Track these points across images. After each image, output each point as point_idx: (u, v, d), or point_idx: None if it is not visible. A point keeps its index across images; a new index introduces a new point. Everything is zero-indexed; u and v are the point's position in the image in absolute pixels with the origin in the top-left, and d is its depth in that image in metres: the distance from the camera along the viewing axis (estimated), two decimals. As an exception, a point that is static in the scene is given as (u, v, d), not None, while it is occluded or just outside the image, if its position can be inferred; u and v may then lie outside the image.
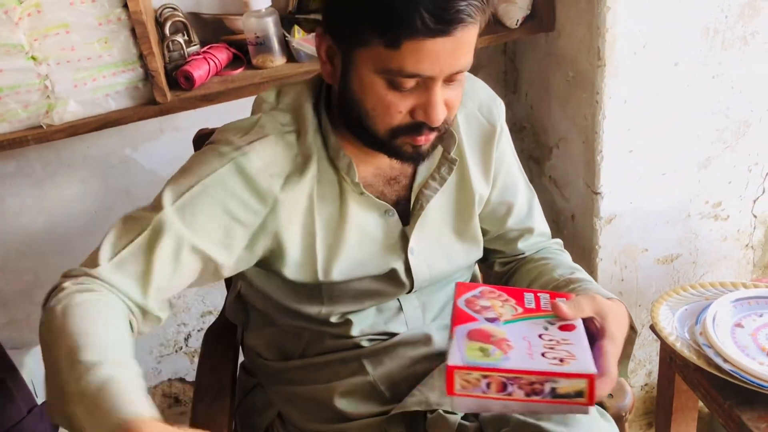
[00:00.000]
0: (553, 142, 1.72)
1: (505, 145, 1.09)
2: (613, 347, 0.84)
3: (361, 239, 0.99)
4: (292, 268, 0.98)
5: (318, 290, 1.01)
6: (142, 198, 1.70)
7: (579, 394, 0.74)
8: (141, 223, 0.88)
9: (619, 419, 0.99)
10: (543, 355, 0.77)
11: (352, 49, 0.86)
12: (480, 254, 1.12)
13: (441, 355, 1.04)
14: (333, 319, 1.04)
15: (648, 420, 1.90)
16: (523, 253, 1.14)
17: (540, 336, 0.80)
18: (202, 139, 1.09)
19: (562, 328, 0.82)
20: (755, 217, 1.73)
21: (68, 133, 1.36)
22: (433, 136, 0.91)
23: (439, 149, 1.00)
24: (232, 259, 0.94)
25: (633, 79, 1.46)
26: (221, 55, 1.49)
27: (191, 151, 1.13)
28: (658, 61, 1.46)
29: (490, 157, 1.06)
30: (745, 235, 1.76)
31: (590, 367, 0.75)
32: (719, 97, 1.54)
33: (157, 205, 0.89)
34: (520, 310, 0.85)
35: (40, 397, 1.59)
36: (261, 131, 0.93)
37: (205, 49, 1.48)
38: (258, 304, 1.11)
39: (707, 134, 1.58)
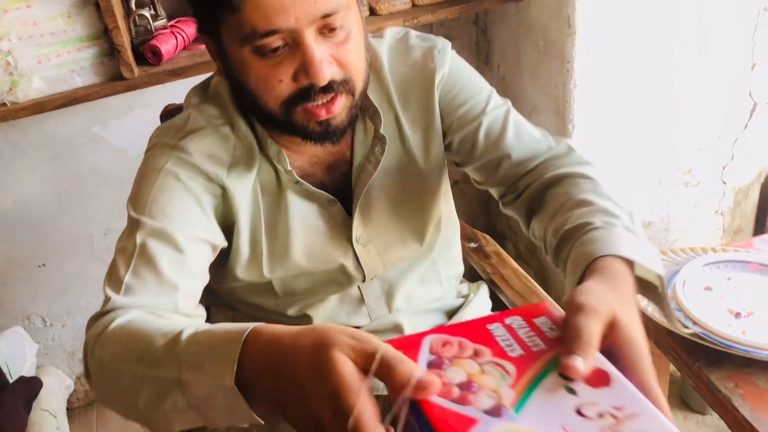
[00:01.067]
0: (525, 113, 1.72)
1: (452, 81, 0.96)
2: (647, 361, 0.59)
3: (304, 232, 0.94)
4: (242, 267, 0.94)
5: (269, 285, 0.97)
6: (113, 176, 1.71)
7: None
8: (127, 250, 0.83)
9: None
10: None
11: (217, 34, 0.82)
12: (440, 218, 1.03)
13: None
14: (291, 312, 1.00)
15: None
16: (516, 182, 0.97)
17: (580, 412, 0.51)
18: (170, 115, 1.08)
19: (592, 381, 0.54)
20: (724, 183, 1.76)
21: (33, 111, 1.34)
22: (338, 105, 0.82)
23: (371, 128, 0.93)
24: (219, 232, 0.90)
25: (603, 47, 1.46)
26: (189, 29, 1.47)
27: (160, 126, 1.12)
28: (628, 29, 1.46)
29: (433, 111, 0.96)
30: (715, 202, 1.78)
31: None
32: (687, 65, 1.55)
33: (131, 226, 0.85)
34: (511, 369, 0.55)
35: (13, 377, 1.58)
36: (194, 124, 0.89)
37: (172, 23, 1.46)
38: (218, 293, 1.07)
39: (677, 101, 1.59)
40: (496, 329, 0.59)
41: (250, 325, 0.60)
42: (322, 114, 0.82)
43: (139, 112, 1.65)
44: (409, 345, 0.57)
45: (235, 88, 0.87)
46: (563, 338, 0.57)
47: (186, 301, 0.82)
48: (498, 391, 0.53)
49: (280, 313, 1.00)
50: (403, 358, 0.52)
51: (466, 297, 1.11)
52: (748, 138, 1.72)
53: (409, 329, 1.03)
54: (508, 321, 0.60)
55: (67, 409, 1.87)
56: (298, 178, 0.91)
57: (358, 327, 1.01)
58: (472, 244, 1.30)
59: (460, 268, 1.12)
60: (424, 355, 0.56)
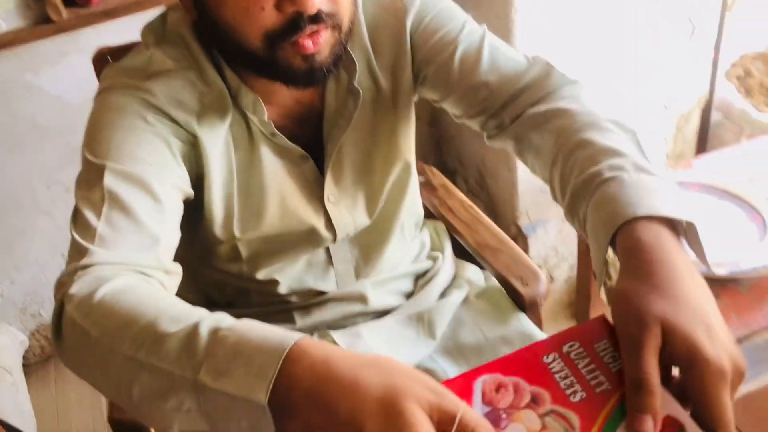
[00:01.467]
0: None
1: (424, 12, 0.90)
2: (711, 371, 0.52)
3: (277, 191, 0.89)
4: (212, 225, 0.87)
5: (235, 249, 0.91)
6: (52, 126, 1.66)
7: None
8: (93, 198, 0.73)
9: (534, 306, 1.02)
10: None
11: None
12: (410, 171, 0.99)
13: (378, 314, 1.00)
14: (258, 277, 0.95)
15: (572, 311, 1.99)
16: (499, 113, 0.88)
17: None
18: (103, 59, 1.03)
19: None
20: (666, 109, 1.78)
21: (-42, 59, 1.29)
22: (323, 37, 0.75)
23: (344, 79, 0.87)
24: (189, 182, 0.82)
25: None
26: (118, -33, 1.41)
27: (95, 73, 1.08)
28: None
29: (405, 55, 0.90)
30: (657, 127, 1.81)
31: None
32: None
33: (93, 173, 0.75)
34: (576, 422, 0.51)
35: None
36: (160, 66, 0.81)
37: (100, -39, 1.40)
38: (178, 255, 0.95)
39: (619, 29, 1.60)
40: (554, 363, 0.55)
41: (292, 337, 0.53)
42: (309, 46, 0.75)
43: (73, 57, 1.59)
44: (460, 390, 0.52)
45: (205, 27, 0.79)
46: (625, 380, 0.53)
47: (168, 255, 0.75)
48: None
49: (246, 278, 0.95)
50: (485, 423, 0.48)
51: (433, 259, 1.09)
52: (688, 63, 1.74)
53: (374, 301, 1.01)
54: (565, 349, 0.55)
55: (23, 365, 1.86)
56: (275, 130, 0.85)
57: (323, 293, 0.99)
58: (420, 178, 1.30)
59: (420, 212, 1.10)
60: (478, 405, 0.52)
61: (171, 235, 0.76)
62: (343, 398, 0.49)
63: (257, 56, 0.76)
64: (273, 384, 0.50)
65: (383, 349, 0.95)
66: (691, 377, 0.52)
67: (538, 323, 1.02)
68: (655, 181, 0.67)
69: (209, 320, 0.56)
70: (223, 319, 0.57)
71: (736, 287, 1.03)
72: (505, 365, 0.54)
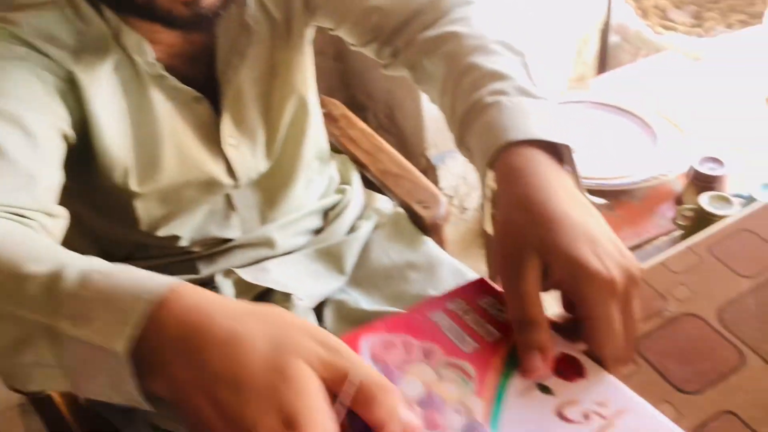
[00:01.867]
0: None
1: None
2: (601, 294, 0.50)
3: (171, 137, 0.83)
4: (107, 175, 0.81)
5: (132, 206, 0.85)
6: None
7: None
8: None
9: (436, 228, 1.03)
10: None
11: None
12: (306, 109, 0.95)
13: (286, 256, 0.98)
14: (158, 234, 0.90)
15: (485, 239, 2.03)
16: (392, 38, 0.84)
17: (562, 415, 0.46)
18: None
19: (564, 373, 0.49)
20: (565, 32, 1.80)
21: None
22: None
23: (236, 13, 0.81)
24: (70, 123, 0.75)
25: None
26: None
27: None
28: None
29: None
30: (558, 51, 1.83)
31: None
32: None
33: None
34: (471, 371, 0.49)
35: None
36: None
37: None
38: (70, 208, 0.82)
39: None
40: (441, 320, 0.53)
41: (170, 281, 0.45)
42: None
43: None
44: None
45: None
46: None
47: (48, 195, 0.67)
48: (465, 403, 0.47)
49: (145, 235, 0.90)
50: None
51: (342, 192, 1.06)
52: (586, -14, 1.76)
53: (282, 244, 0.98)
54: (450, 306, 0.54)
55: None
56: (163, 72, 0.79)
57: (228, 240, 0.95)
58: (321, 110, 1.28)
59: (325, 148, 1.06)
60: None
61: (51, 175, 0.69)
62: (217, 352, 0.42)
63: (134, 4, 0.69)
64: (139, 334, 0.42)
65: (291, 283, 0.94)
66: (578, 295, 0.50)
67: (441, 246, 1.03)
68: (535, 103, 0.64)
69: (80, 263, 0.48)
70: (97, 263, 0.49)
71: (629, 199, 1.06)
72: (389, 324, 0.52)
